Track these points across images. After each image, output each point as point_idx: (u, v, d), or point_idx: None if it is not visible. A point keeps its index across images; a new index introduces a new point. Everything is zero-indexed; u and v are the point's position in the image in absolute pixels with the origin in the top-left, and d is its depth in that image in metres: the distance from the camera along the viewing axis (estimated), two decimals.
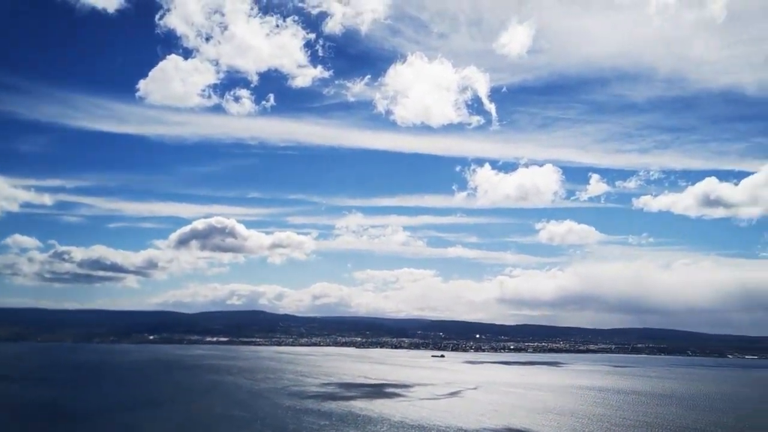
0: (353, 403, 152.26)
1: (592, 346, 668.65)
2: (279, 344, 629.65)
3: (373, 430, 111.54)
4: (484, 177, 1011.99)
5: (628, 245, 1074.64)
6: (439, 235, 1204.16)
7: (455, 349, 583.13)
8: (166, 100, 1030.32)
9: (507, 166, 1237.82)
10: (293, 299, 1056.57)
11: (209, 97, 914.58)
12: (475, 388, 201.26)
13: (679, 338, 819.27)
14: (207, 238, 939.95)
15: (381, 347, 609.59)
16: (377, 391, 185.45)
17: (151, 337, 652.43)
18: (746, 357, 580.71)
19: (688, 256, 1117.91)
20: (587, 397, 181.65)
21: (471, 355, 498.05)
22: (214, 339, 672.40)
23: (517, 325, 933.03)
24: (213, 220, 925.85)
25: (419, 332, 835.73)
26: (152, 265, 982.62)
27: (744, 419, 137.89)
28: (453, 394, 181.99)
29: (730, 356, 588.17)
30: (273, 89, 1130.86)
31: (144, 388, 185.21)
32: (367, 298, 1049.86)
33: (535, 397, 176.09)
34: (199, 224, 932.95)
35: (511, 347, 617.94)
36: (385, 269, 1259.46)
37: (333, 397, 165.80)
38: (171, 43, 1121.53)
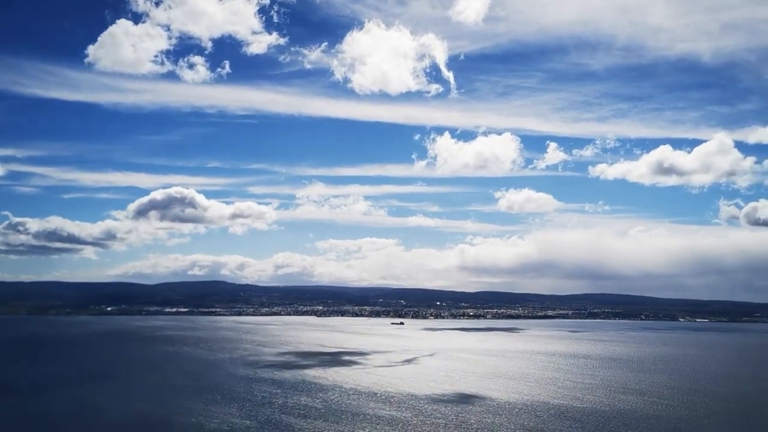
0: (308, 371, 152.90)
1: (549, 312, 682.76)
2: (239, 314, 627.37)
3: (324, 397, 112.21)
4: (443, 146, 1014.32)
5: (585, 213, 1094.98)
6: (401, 205, 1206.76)
7: (415, 316, 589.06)
8: (117, 66, 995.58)
9: (466, 135, 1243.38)
10: (255, 269, 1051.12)
11: (162, 63, 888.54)
12: (431, 355, 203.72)
13: (633, 303, 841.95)
14: (166, 208, 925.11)
15: (342, 316, 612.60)
16: (334, 359, 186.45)
17: (110, 309, 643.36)
18: (697, 320, 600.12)
19: (643, 223, 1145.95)
20: (539, 361, 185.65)
21: (430, 322, 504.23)
22: (174, 310, 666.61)
23: (477, 292, 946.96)
24: (172, 191, 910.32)
25: (381, 300, 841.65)
26: (110, 236, 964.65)
27: (686, 379, 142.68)
28: (409, 361, 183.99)
29: (681, 320, 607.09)
30: (228, 56, 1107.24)
31: (97, 361, 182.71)
32: (329, 267, 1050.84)
33: (489, 363, 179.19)
34: (158, 194, 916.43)
35: (471, 314, 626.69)
36: (348, 239, 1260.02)
37: (288, 366, 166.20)
38: (120, 8, 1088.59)
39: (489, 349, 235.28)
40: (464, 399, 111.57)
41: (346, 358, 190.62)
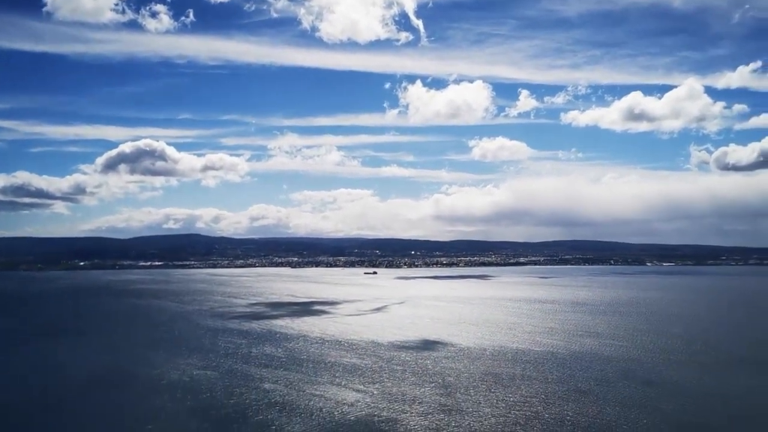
0: (276, 321, 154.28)
1: (522, 259, 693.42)
2: (214, 267, 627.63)
3: (288, 346, 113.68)
4: (415, 94, 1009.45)
5: (559, 160, 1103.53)
6: (375, 155, 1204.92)
7: (389, 265, 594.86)
8: (76, 15, 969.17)
9: (437, 83, 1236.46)
10: (231, 222, 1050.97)
11: (123, 12, 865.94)
12: (400, 303, 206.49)
13: (605, 249, 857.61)
14: (136, 161, 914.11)
15: (317, 266, 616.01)
16: (303, 309, 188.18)
17: (82, 264, 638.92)
18: (664, 264, 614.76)
19: (616, 169, 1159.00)
20: (505, 307, 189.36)
21: (404, 271, 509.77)
22: (148, 264, 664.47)
23: (451, 241, 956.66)
24: (141, 143, 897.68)
25: (356, 251, 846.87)
26: (80, 190, 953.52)
27: (643, 321, 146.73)
28: (378, 309, 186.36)
29: (649, 264, 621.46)
30: (190, 4, 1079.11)
31: (64, 316, 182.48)
32: (305, 218, 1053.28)
33: (456, 310, 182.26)
34: (127, 147, 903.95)
35: (444, 262, 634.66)
36: (323, 190, 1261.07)
37: (257, 316, 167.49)
38: None
39: (458, 296, 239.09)
40: (427, 345, 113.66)
41: (316, 307, 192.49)
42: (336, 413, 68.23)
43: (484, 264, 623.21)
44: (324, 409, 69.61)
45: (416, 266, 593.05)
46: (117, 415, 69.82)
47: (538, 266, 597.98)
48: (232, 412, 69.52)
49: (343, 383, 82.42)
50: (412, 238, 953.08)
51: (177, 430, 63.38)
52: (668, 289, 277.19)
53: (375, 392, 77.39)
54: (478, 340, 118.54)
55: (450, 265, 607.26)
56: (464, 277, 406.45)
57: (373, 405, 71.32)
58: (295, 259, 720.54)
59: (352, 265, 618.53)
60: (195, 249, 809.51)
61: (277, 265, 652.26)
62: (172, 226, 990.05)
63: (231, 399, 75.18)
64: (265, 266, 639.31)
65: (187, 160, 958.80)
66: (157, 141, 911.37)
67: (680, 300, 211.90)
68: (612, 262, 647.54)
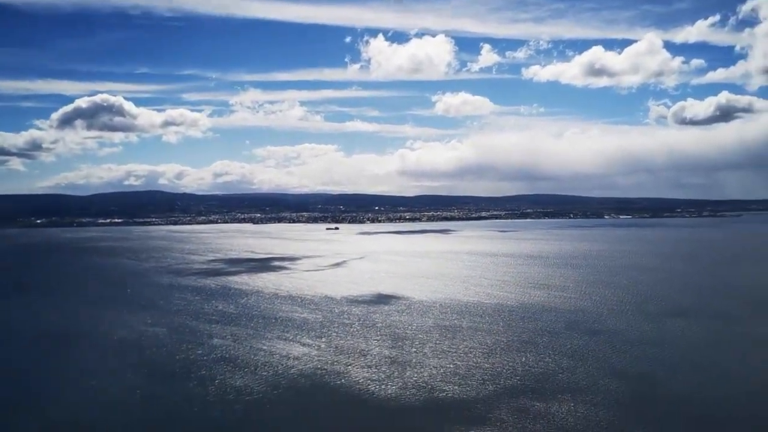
0: (232, 278, 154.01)
1: (484, 213, 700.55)
2: (175, 223, 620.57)
3: (241, 302, 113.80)
4: (376, 48, 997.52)
5: (521, 115, 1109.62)
6: (339, 110, 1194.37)
7: (353, 221, 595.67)
8: None
9: (399, 37, 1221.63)
10: (194, 178, 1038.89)
11: None
12: (360, 258, 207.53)
13: (565, 202, 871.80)
14: (93, 117, 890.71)
15: (279, 222, 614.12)
16: (262, 265, 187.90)
17: (39, 221, 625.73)
18: (621, 217, 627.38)
19: (578, 124, 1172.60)
20: (462, 261, 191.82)
21: (367, 227, 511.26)
22: (108, 221, 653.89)
23: (415, 197, 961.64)
24: (98, 98, 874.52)
25: (320, 206, 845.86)
26: (36, 146, 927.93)
27: (593, 272, 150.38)
28: (337, 264, 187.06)
29: (607, 217, 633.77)
30: None
31: (17, 273, 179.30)
32: (269, 174, 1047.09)
33: (414, 264, 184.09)
34: (83, 102, 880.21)
35: (407, 217, 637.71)
36: (286, 145, 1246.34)
37: (214, 273, 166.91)
38: None
39: (417, 250, 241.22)
40: (380, 299, 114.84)
41: (275, 263, 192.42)
42: (280, 367, 68.92)
43: (446, 219, 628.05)
44: (269, 364, 70.24)
45: (379, 222, 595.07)
46: (62, 371, 69.50)
47: (499, 220, 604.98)
48: (178, 367, 69.70)
49: (291, 338, 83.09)
50: (378, 194, 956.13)
51: (122, 387, 63.32)
52: (622, 241, 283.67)
53: (322, 346, 78.25)
54: (431, 294, 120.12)
55: (413, 220, 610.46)
56: (426, 231, 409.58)
57: (318, 358, 72.18)
58: (258, 215, 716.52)
59: (315, 221, 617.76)
60: (156, 206, 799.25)
61: (240, 221, 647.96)
62: (134, 183, 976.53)
63: (177, 355, 75.29)
64: (227, 222, 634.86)
65: (146, 116, 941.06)
66: (115, 96, 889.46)
67: (631, 252, 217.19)
68: (571, 215, 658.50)
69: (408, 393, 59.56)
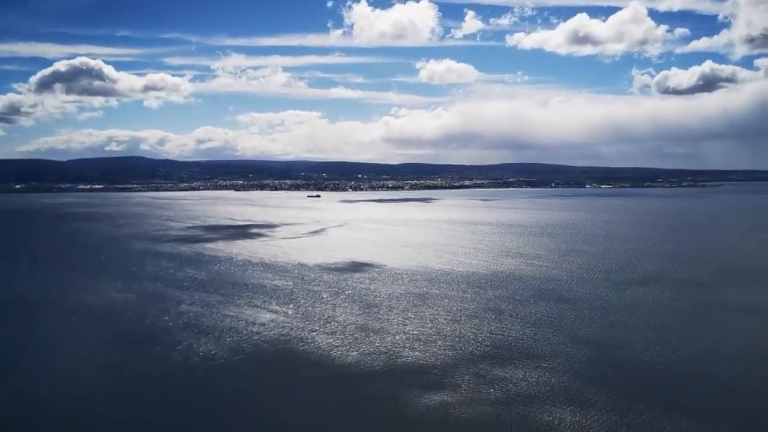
0: (208, 245, 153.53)
1: (467, 182, 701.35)
2: (156, 190, 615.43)
3: (214, 269, 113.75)
4: (359, 14, 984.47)
5: (506, 83, 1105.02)
6: (323, 76, 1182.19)
7: (335, 189, 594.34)
8: None
9: (382, 2, 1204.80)
10: (176, 144, 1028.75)
11: None
12: (339, 226, 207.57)
13: (549, 171, 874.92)
14: (72, 80, 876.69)
15: (262, 190, 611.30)
16: (240, 232, 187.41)
17: (18, 187, 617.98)
18: (602, 186, 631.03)
19: (563, 93, 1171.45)
20: (440, 229, 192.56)
21: (349, 195, 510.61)
22: (87, 187, 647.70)
23: (399, 164, 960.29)
24: (77, 62, 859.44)
25: (303, 174, 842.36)
26: (14, 110, 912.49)
27: (566, 241, 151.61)
28: (315, 232, 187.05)
29: (588, 186, 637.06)
30: None
31: None
32: (253, 141, 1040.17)
33: (392, 232, 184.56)
34: (62, 66, 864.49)
35: (390, 185, 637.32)
36: (270, 111, 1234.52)
37: (191, 239, 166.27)
38: None
39: (397, 218, 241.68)
40: (354, 267, 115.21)
41: (253, 231, 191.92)
42: (245, 333, 69.28)
43: (429, 187, 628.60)
44: (234, 330, 70.56)
45: (362, 190, 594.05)
46: (29, 339, 69.42)
47: (482, 189, 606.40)
48: (144, 334, 69.84)
49: (259, 304, 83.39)
50: (363, 161, 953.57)
51: (87, 353, 63.43)
52: (600, 210, 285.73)
53: (290, 313, 78.65)
54: (405, 262, 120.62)
55: (396, 188, 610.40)
56: (408, 200, 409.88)
57: (284, 325, 72.58)
58: (241, 182, 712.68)
59: (297, 188, 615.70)
60: (138, 172, 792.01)
61: (222, 188, 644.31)
62: (115, 148, 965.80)
63: (145, 321, 75.42)
64: (209, 189, 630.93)
65: (126, 80, 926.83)
66: (95, 60, 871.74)
67: (607, 221, 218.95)
68: (553, 184, 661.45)
69: (370, 359, 60.18)
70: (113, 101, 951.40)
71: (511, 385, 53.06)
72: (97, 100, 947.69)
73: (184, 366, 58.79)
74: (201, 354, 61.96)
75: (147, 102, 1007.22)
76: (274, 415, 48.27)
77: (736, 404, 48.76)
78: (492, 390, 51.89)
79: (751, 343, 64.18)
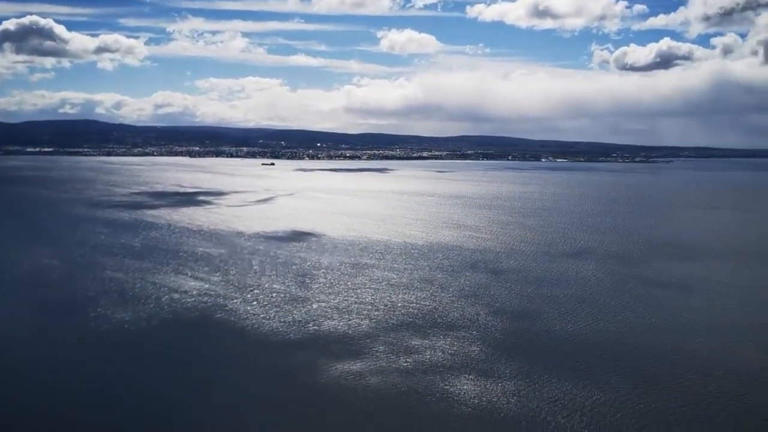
0: (150, 212, 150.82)
1: (425, 153, 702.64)
2: (109, 155, 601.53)
3: (149, 236, 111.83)
4: None
5: (467, 55, 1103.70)
6: (285, 42, 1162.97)
7: (292, 157, 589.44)
8: None
9: None
10: (133, 108, 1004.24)
11: None
12: (289, 195, 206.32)
13: (508, 144, 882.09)
14: (22, 40, 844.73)
15: (217, 157, 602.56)
16: (185, 199, 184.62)
17: None
18: (557, 160, 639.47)
19: (525, 66, 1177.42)
20: (388, 200, 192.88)
21: (305, 163, 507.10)
22: (36, 150, 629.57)
23: (359, 134, 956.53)
24: (27, 20, 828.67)
25: (261, 141, 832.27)
26: None
27: (508, 213, 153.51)
28: (263, 201, 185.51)
29: (544, 160, 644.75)
30: None
31: None
32: (213, 107, 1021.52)
33: (341, 202, 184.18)
34: (11, 24, 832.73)
35: (348, 155, 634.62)
36: (230, 77, 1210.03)
37: (133, 206, 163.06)
38: None
39: (349, 188, 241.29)
40: (294, 236, 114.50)
41: (200, 198, 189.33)
42: (167, 300, 68.35)
43: (386, 158, 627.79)
44: (156, 297, 69.50)
45: (319, 159, 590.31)
46: None
47: (439, 161, 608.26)
48: (65, 301, 68.37)
49: (187, 272, 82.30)
50: (323, 130, 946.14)
51: (6, 320, 62.04)
52: (550, 183, 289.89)
53: (217, 281, 77.83)
54: (346, 232, 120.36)
55: (353, 158, 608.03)
56: (364, 170, 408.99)
57: (208, 293, 71.75)
58: (197, 148, 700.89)
59: (253, 156, 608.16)
60: (90, 136, 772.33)
61: (177, 154, 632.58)
62: (69, 111, 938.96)
63: (68, 288, 73.90)
64: (163, 155, 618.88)
65: (78, 41, 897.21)
66: (45, 18, 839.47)
67: (554, 194, 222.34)
68: (510, 157, 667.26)
69: (291, 328, 60.01)
70: (66, 62, 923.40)
71: (425, 354, 53.49)
72: (49, 61, 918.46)
73: (98, 332, 57.86)
74: (117, 321, 60.91)
75: (101, 64, 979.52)
76: (190, 384, 47.74)
77: (644, 373, 49.79)
78: (406, 359, 52.22)
79: (668, 316, 65.62)
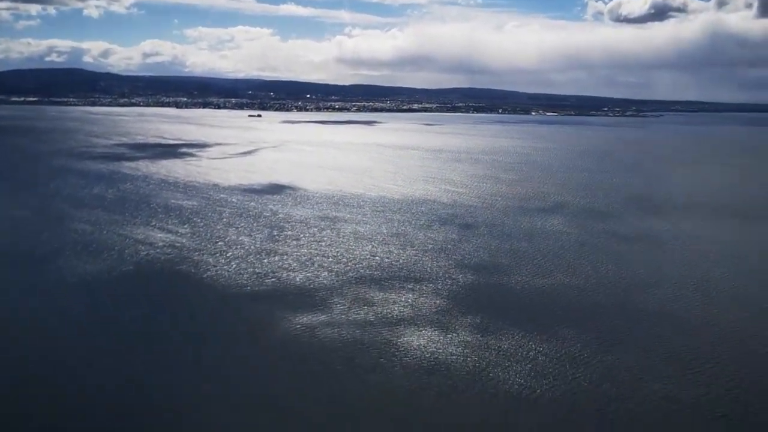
0: (128, 164, 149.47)
1: (415, 106, 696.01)
2: (94, 105, 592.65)
3: (123, 187, 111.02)
4: None
5: (461, 5, 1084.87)
6: None
7: (280, 109, 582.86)
8: None
9: None
10: (122, 57, 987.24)
11: None
12: (273, 147, 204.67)
13: (499, 97, 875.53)
14: None
15: (205, 108, 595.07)
16: (168, 151, 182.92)
17: None
18: (547, 114, 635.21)
19: (519, 18, 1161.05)
20: (370, 153, 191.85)
21: (292, 115, 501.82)
22: (21, 99, 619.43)
23: (350, 86, 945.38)
24: None
25: (250, 92, 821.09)
26: None
27: (488, 168, 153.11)
28: (246, 153, 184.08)
29: (533, 113, 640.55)
30: None
31: None
32: (202, 57, 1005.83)
33: (324, 155, 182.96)
34: None
35: (336, 107, 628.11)
36: (219, 27, 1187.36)
37: (112, 157, 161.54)
38: None
39: (333, 141, 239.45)
40: (269, 189, 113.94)
41: (181, 150, 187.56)
42: (131, 252, 68.10)
43: (376, 110, 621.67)
44: (120, 249, 69.18)
45: (307, 110, 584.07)
46: None
47: (429, 113, 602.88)
48: (29, 252, 68.04)
49: (155, 224, 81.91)
50: (314, 81, 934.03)
51: None
52: (535, 137, 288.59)
53: (186, 233, 77.47)
54: (324, 185, 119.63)
55: (342, 110, 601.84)
56: (351, 122, 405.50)
57: (173, 245, 71.49)
58: (184, 99, 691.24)
59: (241, 107, 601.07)
60: (77, 85, 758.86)
61: (164, 105, 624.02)
62: (56, 60, 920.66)
63: (33, 239, 73.41)
64: (150, 106, 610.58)
65: None
66: None
67: (538, 148, 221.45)
68: (500, 110, 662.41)
69: (255, 281, 59.96)
70: (51, 9, 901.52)
71: (385, 307, 53.66)
72: (34, 8, 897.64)
73: (61, 285, 57.80)
74: (80, 273, 60.77)
75: (87, 11, 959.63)
76: (146, 337, 47.81)
77: (601, 327, 50.09)
78: (365, 312, 52.39)
79: (632, 271, 65.64)
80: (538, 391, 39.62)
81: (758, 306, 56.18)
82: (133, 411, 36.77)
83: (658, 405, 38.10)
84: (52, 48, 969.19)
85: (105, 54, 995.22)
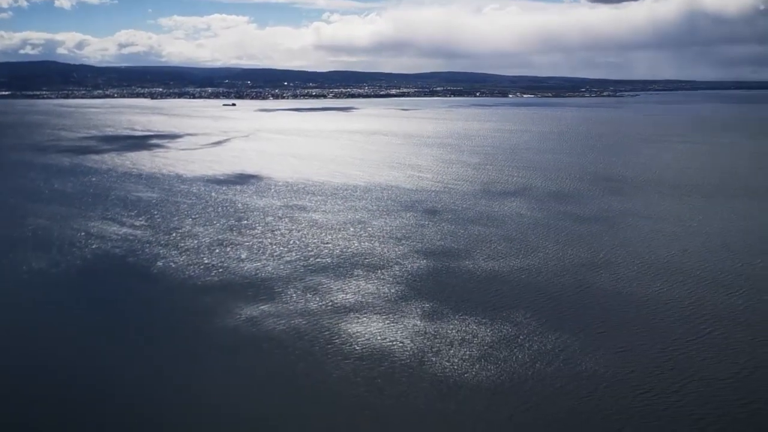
0: (93, 156, 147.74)
1: (393, 91, 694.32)
2: (67, 97, 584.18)
3: (84, 180, 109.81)
4: None
5: None
6: None
7: (256, 97, 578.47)
8: None
9: None
10: (96, 48, 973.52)
11: None
12: (245, 137, 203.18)
13: (478, 80, 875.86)
14: None
15: (180, 98, 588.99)
16: (137, 143, 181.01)
17: None
18: (524, 96, 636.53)
19: (497, 1, 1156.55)
20: (341, 140, 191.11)
21: (268, 103, 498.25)
22: None
23: (328, 72, 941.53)
24: None
25: (227, 81, 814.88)
26: None
27: (456, 152, 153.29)
28: (216, 143, 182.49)
29: (511, 96, 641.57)
30: None
31: None
32: (179, 46, 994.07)
33: (293, 143, 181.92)
34: None
35: (313, 94, 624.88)
36: (194, 15, 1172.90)
37: (78, 151, 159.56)
38: None
39: (306, 129, 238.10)
40: (237, 179, 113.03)
41: (150, 142, 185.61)
42: (82, 245, 67.46)
43: (353, 96, 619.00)
44: (74, 243, 68.41)
45: (284, 98, 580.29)
46: None
47: (406, 98, 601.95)
48: None
49: (112, 216, 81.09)
50: (293, 69, 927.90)
51: None
52: (509, 120, 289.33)
53: (143, 225, 76.79)
54: (291, 174, 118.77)
55: (319, 97, 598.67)
56: (327, 109, 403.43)
57: (128, 238, 70.81)
58: (160, 89, 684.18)
59: (217, 96, 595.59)
60: (50, 78, 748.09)
61: (139, 96, 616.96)
62: (30, 52, 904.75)
63: None
64: (124, 97, 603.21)
65: None
66: None
67: (510, 131, 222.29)
68: (478, 94, 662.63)
69: (209, 273, 59.43)
70: (23, 1, 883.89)
71: (338, 296, 53.40)
72: (5, 0, 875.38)
73: (5, 282, 57.28)
74: (33, 269, 60.22)
75: (58, 2, 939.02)
76: (98, 331, 47.33)
77: (552, 310, 50.34)
78: (317, 301, 52.00)
79: (593, 253, 65.77)
80: (473, 374, 39.82)
81: (717, 283, 56.56)
82: (75, 408, 36.54)
83: (584, 383, 38.49)
84: (26, 41, 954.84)
85: (80, 45, 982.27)
